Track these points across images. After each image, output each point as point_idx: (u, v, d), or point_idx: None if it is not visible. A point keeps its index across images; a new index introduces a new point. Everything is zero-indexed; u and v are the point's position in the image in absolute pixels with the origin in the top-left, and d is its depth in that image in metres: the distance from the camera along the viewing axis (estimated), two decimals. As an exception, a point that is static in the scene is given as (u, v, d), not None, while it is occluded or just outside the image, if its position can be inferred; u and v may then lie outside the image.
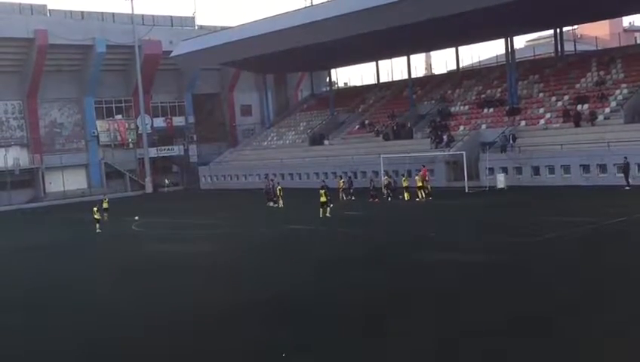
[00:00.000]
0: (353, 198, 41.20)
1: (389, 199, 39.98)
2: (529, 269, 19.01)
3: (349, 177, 46.33)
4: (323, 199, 34.05)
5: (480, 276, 18.57)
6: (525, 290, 16.54)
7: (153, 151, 69.30)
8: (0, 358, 14.55)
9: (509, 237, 24.09)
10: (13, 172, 61.16)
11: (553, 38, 58.58)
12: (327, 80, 72.42)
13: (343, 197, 41.73)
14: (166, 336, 14.98)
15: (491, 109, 51.56)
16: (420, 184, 39.00)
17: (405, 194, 39.35)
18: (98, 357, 14.02)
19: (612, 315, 13.97)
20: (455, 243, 24.26)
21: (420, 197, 38.91)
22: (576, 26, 67.95)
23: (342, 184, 43.49)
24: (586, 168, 40.13)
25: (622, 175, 37.69)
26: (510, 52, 50.97)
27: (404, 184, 40.11)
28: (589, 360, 11.67)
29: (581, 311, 14.38)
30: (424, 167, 43.01)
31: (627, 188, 36.62)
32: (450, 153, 46.43)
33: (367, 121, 60.33)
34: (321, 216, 33.73)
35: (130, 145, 70.06)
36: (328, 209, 33.99)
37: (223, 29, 68.16)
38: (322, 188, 35.70)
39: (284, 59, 61.56)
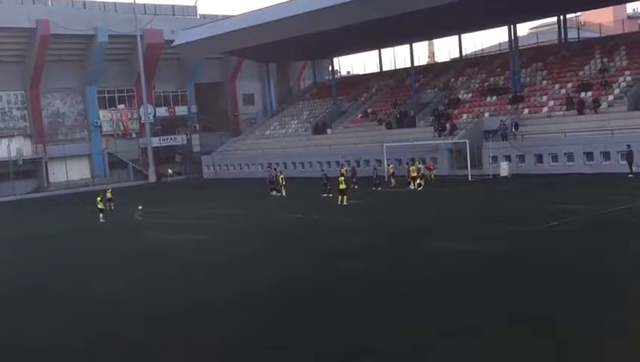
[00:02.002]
0: (356, 187, 41.17)
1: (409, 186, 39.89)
2: (530, 258, 18.98)
3: (353, 166, 46.30)
4: (342, 186, 34.21)
5: (479, 265, 18.55)
6: (527, 281, 16.51)
7: (156, 141, 69.33)
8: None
9: (511, 226, 24.06)
10: (16, 162, 61.25)
11: (556, 26, 58.27)
12: (330, 68, 72.36)
13: None
14: (167, 326, 15.05)
15: (494, 97, 51.43)
16: (414, 175, 38.98)
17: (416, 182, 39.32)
18: (95, 348, 14.08)
19: (612, 307, 13.96)
20: (456, 231, 24.25)
21: (415, 186, 38.88)
22: (579, 13, 67.63)
23: (345, 172, 43.33)
24: (589, 156, 40.07)
25: (625, 162, 37.61)
26: (513, 39, 50.78)
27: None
28: (589, 355, 11.59)
29: (580, 305, 14.29)
30: (425, 163, 43.40)
31: (630, 175, 36.54)
32: (454, 141, 46.38)
33: (369, 110, 60.23)
34: (339, 203, 33.89)
35: (133, 135, 70.12)
36: (345, 197, 34.09)
37: (225, 17, 67.93)
38: (341, 175, 35.88)
39: (287, 47, 61.44)
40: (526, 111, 47.56)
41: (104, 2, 69.04)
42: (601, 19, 67.64)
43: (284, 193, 41.14)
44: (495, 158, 43.40)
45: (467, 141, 43.68)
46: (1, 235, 34.58)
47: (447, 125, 49.19)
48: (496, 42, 74.65)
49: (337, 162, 50.48)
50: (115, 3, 69.29)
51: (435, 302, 15.18)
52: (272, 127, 68.37)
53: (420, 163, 43.24)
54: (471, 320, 13.55)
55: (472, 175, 42.22)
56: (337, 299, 16.11)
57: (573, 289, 15.30)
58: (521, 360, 11.41)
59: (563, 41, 56.34)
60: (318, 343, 12.99)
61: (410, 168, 39.88)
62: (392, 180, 42.34)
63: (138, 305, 17.19)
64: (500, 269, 17.93)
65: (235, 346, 13.24)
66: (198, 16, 74.44)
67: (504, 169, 41.99)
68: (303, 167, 56.02)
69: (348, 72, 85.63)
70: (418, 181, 39.16)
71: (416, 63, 60.94)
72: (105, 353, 13.64)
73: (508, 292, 15.42)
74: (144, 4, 69.87)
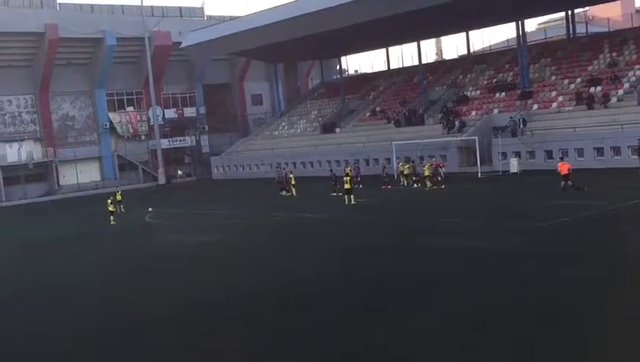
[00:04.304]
0: (361, 186, 40.91)
1: (414, 185, 39.68)
2: (541, 255, 18.89)
3: (357, 165, 46.17)
4: (347, 186, 34.19)
5: (488, 262, 18.48)
6: (536, 277, 16.43)
7: (165, 143, 69.56)
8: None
9: (522, 222, 23.97)
10: (26, 166, 61.60)
11: (564, 21, 58.03)
12: (338, 67, 72.29)
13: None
14: (174, 327, 15.10)
15: (503, 94, 51.29)
16: (427, 173, 38.90)
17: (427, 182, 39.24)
18: (107, 350, 14.13)
19: (619, 304, 13.84)
20: (466, 229, 24.14)
21: (429, 185, 38.68)
22: (587, 8, 67.21)
23: (350, 172, 42.88)
24: (599, 151, 39.89)
25: (636, 157, 37.42)
26: (521, 35, 50.59)
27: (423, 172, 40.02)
28: (590, 355, 11.47)
29: (587, 302, 14.15)
30: (434, 159, 43.28)
31: (641, 169, 36.35)
32: (463, 138, 46.26)
33: (378, 108, 60.19)
34: (346, 202, 33.87)
35: (142, 137, 70.32)
36: (352, 196, 34.05)
37: (232, 18, 68.07)
38: (347, 175, 35.83)
39: (294, 47, 61.46)
40: (535, 107, 47.38)
41: (112, 5, 69.34)
42: (609, 13, 67.30)
43: (294, 193, 41.15)
44: (505, 155, 43.26)
45: (476, 138, 43.57)
46: (13, 238, 34.79)
47: (456, 122, 49.09)
48: (504, 38, 74.49)
49: (346, 161, 50.48)
50: (122, 6, 69.63)
51: (441, 300, 15.11)
52: (280, 127, 68.42)
53: (409, 161, 42.97)
54: (478, 317, 13.52)
55: (481, 172, 42.12)
56: (346, 298, 16.09)
57: (583, 285, 15.21)
58: (525, 357, 11.38)
59: (571, 36, 56.07)
60: (325, 342, 12.97)
61: (424, 168, 39.81)
62: (402, 178, 42.28)
63: (146, 307, 17.20)
64: (510, 266, 17.79)
65: (244, 347, 13.24)
66: (205, 18, 74.67)
67: (514, 165, 41.87)
68: (312, 167, 56.02)
69: (356, 71, 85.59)
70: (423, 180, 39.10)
71: (423, 61, 60.80)
72: (116, 354, 13.69)
73: (517, 290, 15.31)
74: (151, 7, 70.12)
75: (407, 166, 41.14)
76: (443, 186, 37.92)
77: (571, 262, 17.55)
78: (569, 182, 29.74)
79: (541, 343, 11.71)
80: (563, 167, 30.55)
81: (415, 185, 39.20)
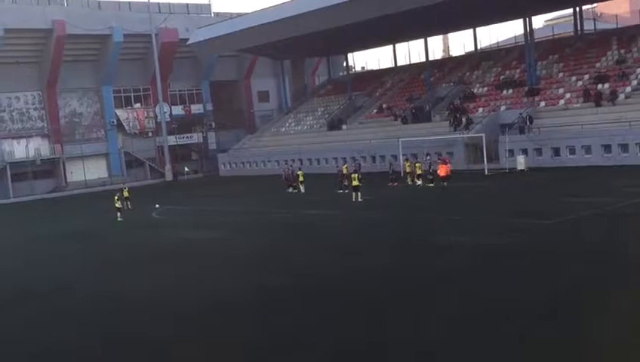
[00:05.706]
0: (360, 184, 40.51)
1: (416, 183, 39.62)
2: (549, 252, 18.87)
3: (357, 161, 46.03)
4: (356, 183, 34.18)
5: (493, 260, 18.43)
6: (542, 275, 16.42)
7: (172, 140, 69.64)
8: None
9: (529, 219, 23.90)
10: (34, 162, 61.86)
11: (572, 17, 57.83)
12: (344, 64, 72.22)
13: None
14: (188, 325, 15.14)
15: (510, 90, 51.13)
16: (419, 172, 38.88)
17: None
18: (119, 347, 14.18)
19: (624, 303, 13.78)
20: (473, 226, 24.08)
21: (417, 183, 38.63)
22: (595, 4, 66.96)
23: (345, 170, 42.57)
24: (607, 148, 39.72)
25: (644, 154, 37.32)
26: (529, 32, 50.41)
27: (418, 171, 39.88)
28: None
29: (592, 300, 14.13)
30: (428, 157, 43.24)
31: (649, 167, 36.22)
32: (470, 135, 46.17)
33: (384, 105, 60.11)
34: (353, 199, 33.88)
35: (150, 134, 70.49)
36: (360, 193, 34.05)
37: (239, 15, 68.07)
38: (355, 171, 35.69)
39: (301, 44, 61.44)
40: (542, 103, 47.25)
41: (119, 2, 69.34)
42: (617, 10, 67.04)
43: (301, 189, 41.13)
44: (512, 152, 43.16)
45: (483, 135, 43.49)
46: (22, 234, 34.92)
47: (463, 119, 48.98)
48: (511, 35, 74.26)
49: (353, 158, 50.45)
50: (129, 2, 69.57)
51: (442, 297, 15.12)
52: (287, 124, 68.42)
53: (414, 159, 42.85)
54: (479, 314, 13.52)
55: (488, 169, 42.02)
56: (347, 295, 16.13)
57: (588, 282, 15.19)
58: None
59: (579, 32, 55.89)
60: (338, 341, 13.00)
61: (416, 165, 39.84)
62: (408, 176, 42.19)
63: (157, 304, 17.25)
64: (514, 263, 17.74)
65: (257, 345, 13.27)
66: (212, 14, 74.63)
67: (521, 162, 41.78)
68: (319, 164, 56.03)
69: (362, 68, 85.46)
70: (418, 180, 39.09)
71: (430, 58, 60.75)
72: (129, 352, 13.72)
73: (519, 288, 15.29)
74: (158, 3, 70.14)
75: (409, 164, 41.04)
76: (432, 185, 37.65)
77: (577, 259, 17.50)
78: (445, 183, 34.85)
79: (541, 340, 11.70)
80: (443, 169, 35.25)
81: (419, 183, 39.10)
